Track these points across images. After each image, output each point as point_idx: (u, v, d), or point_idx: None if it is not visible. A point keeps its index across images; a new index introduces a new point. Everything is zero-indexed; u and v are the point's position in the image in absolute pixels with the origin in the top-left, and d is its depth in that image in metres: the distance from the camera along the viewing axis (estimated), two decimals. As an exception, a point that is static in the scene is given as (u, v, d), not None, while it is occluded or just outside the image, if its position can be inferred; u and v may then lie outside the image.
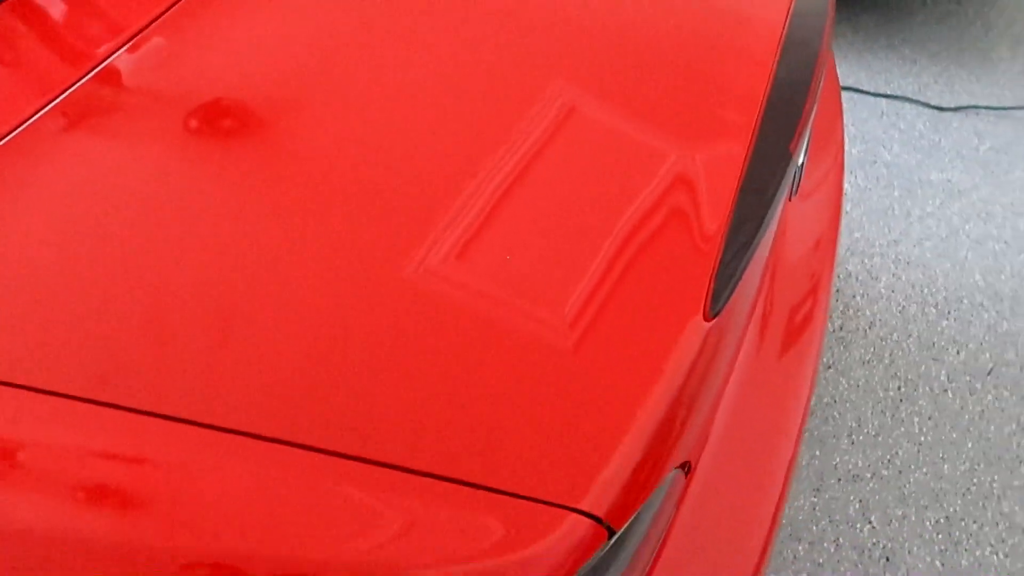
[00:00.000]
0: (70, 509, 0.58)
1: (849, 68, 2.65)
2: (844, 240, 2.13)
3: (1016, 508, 1.65)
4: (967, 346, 1.91)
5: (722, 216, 0.76)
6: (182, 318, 0.64)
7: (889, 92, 2.56)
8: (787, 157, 0.82)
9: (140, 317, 0.64)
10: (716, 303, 0.73)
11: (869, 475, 1.69)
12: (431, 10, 0.94)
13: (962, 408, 1.80)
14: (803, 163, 1.04)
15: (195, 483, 0.58)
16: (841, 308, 1.98)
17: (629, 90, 0.88)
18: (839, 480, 1.68)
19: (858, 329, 1.94)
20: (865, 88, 2.57)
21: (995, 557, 1.58)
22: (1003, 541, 1.61)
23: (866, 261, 2.09)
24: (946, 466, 1.71)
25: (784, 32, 0.94)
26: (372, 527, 0.60)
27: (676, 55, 0.94)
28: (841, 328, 1.94)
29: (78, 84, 0.80)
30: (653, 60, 0.93)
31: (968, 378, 1.85)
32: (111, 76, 0.83)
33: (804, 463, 1.71)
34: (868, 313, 1.98)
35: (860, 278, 2.05)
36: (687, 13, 1.00)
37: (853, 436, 1.75)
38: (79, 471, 0.59)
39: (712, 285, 0.73)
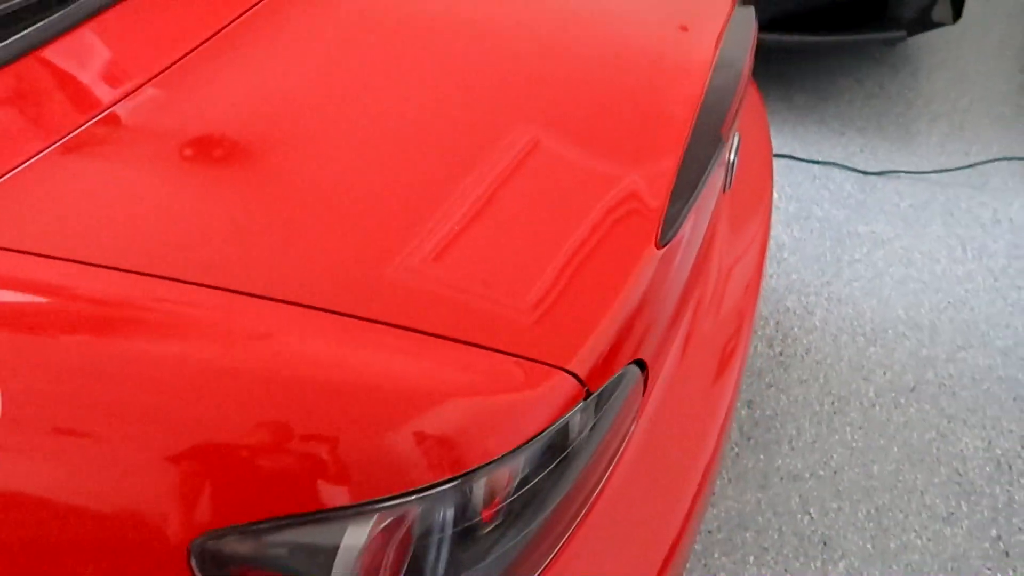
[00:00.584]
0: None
1: (784, 139, 2.95)
2: (783, 281, 2.39)
3: (937, 501, 1.86)
4: (892, 368, 2.15)
5: (670, 175, 1.00)
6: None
7: (820, 159, 2.86)
8: (719, 138, 1.07)
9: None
10: (665, 236, 0.96)
11: (808, 475, 1.90)
12: (412, 54, 1.17)
13: (888, 419, 2.03)
14: (734, 161, 1.29)
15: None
16: (781, 337, 2.22)
17: (595, 94, 1.12)
18: (781, 479, 1.89)
19: (796, 354, 2.18)
20: (799, 156, 2.86)
21: (919, 541, 1.79)
22: (926, 528, 1.81)
23: (803, 299, 2.34)
24: (875, 467, 1.92)
25: (717, 51, 1.20)
26: (409, 375, 0.79)
27: (632, 72, 1.19)
28: (781, 353, 2.18)
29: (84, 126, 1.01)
30: (614, 75, 1.17)
31: (893, 394, 2.08)
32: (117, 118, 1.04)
33: (750, 465, 1.91)
34: (805, 341, 2.21)
35: (797, 312, 2.29)
36: (638, 46, 1.26)
37: (793, 443, 1.97)
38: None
39: (661, 225, 0.96)
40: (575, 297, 0.88)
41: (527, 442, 0.81)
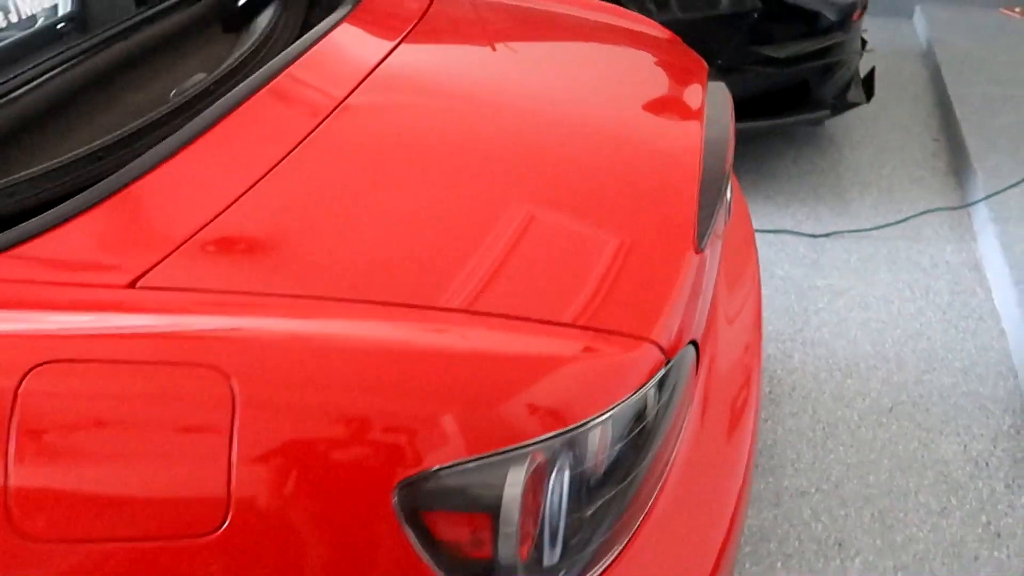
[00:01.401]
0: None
1: (737, 215, 3.27)
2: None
3: (930, 499, 2.09)
4: (869, 395, 2.41)
5: (694, 200, 1.27)
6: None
7: (772, 228, 3.18)
8: (724, 173, 1.34)
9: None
10: (701, 243, 1.21)
11: (813, 490, 2.12)
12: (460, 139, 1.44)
13: (875, 437, 2.27)
14: (730, 200, 1.56)
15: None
16: (768, 379, 2.47)
17: (621, 172, 1.40)
18: (791, 496, 2.11)
19: (783, 392, 2.42)
20: (753, 228, 3.18)
21: (920, 534, 2.01)
22: (924, 522, 2.03)
23: (780, 346, 2.60)
24: (871, 477, 2.15)
25: (704, 114, 1.49)
26: (542, 351, 1.02)
27: (641, 143, 1.46)
28: (770, 392, 2.42)
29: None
30: (629, 147, 1.45)
31: (875, 416, 2.33)
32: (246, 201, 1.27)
33: (762, 487, 2.13)
34: (789, 381, 2.47)
35: (778, 358, 2.55)
36: (638, 120, 1.54)
37: (795, 465, 2.19)
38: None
39: (696, 235, 1.22)
40: (644, 289, 1.12)
41: (625, 399, 1.03)
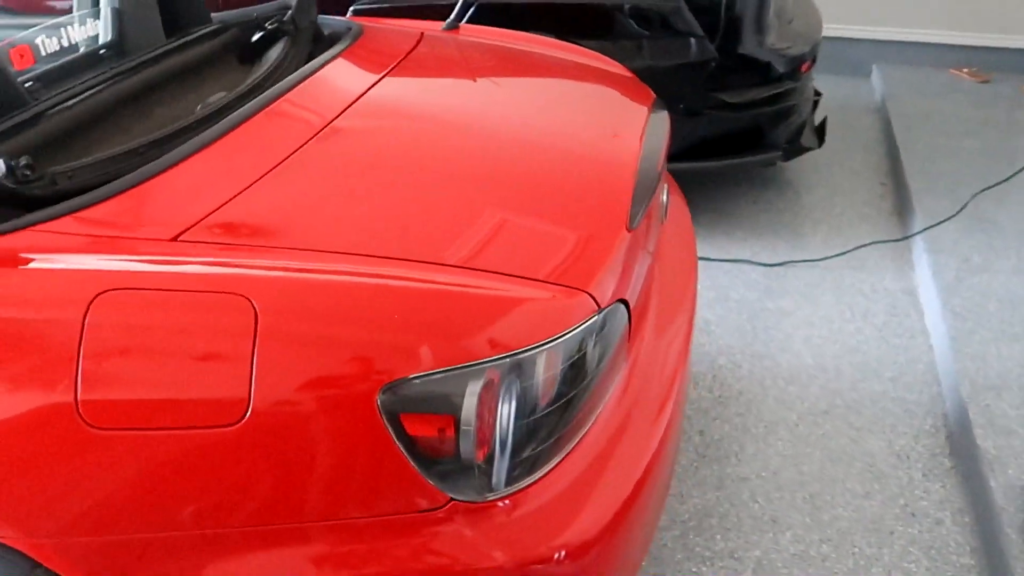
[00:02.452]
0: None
1: (699, 247, 3.56)
2: (714, 346, 2.93)
3: (856, 485, 2.35)
4: (808, 399, 2.67)
5: (629, 191, 1.55)
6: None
7: (730, 258, 3.47)
8: (656, 173, 1.63)
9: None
10: (632, 224, 1.50)
11: (753, 477, 2.38)
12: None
13: (810, 433, 2.53)
14: (667, 203, 1.85)
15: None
16: (718, 385, 2.74)
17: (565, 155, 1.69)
18: (733, 481, 2.36)
19: (731, 396, 2.69)
20: (712, 257, 3.47)
21: (845, 513, 2.26)
22: (849, 504, 2.29)
23: (731, 357, 2.87)
24: (805, 467, 2.41)
25: (645, 128, 1.79)
26: (498, 293, 1.29)
27: (582, 153, 1.75)
28: (720, 396, 2.69)
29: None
30: (572, 156, 1.74)
31: (812, 417, 2.60)
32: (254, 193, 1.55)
33: (707, 474, 2.38)
34: (737, 387, 2.73)
35: (728, 367, 2.82)
36: (583, 136, 1.84)
37: (738, 456, 2.45)
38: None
39: (628, 218, 1.50)
40: (584, 256, 1.40)
41: (563, 334, 1.30)
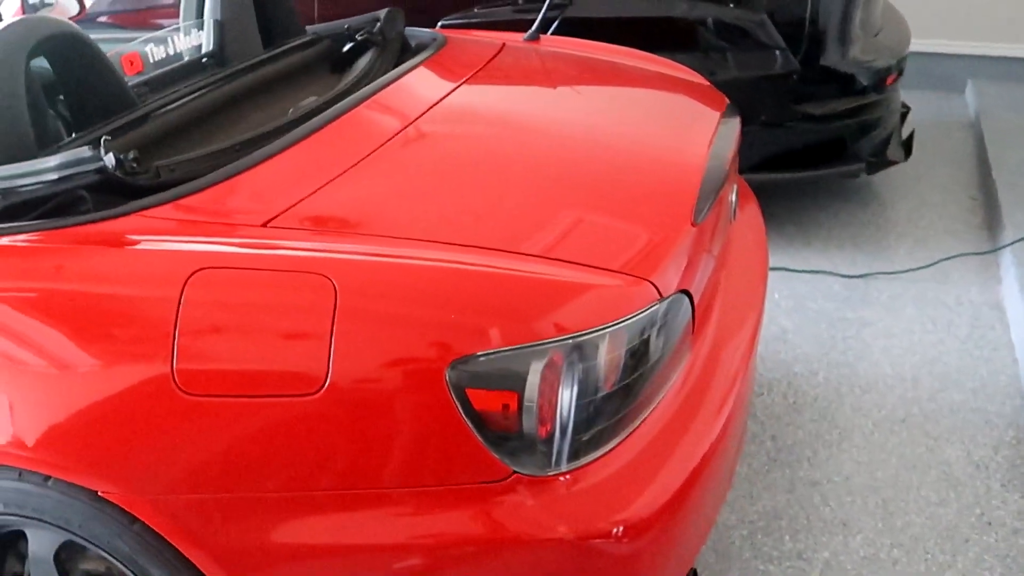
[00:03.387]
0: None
1: (778, 258, 3.57)
2: (789, 355, 2.94)
3: (931, 493, 2.34)
4: (885, 407, 2.66)
5: (695, 186, 1.61)
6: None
7: (809, 268, 3.47)
8: (724, 170, 1.69)
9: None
10: (697, 218, 1.55)
11: (825, 481, 2.39)
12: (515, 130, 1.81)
13: (885, 441, 2.53)
14: (735, 203, 1.89)
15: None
16: (792, 392, 2.75)
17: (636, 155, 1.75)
18: (804, 485, 2.37)
19: (805, 402, 2.70)
20: (792, 268, 3.48)
21: (918, 520, 2.25)
22: (923, 511, 2.28)
23: (807, 365, 2.88)
24: (879, 473, 2.41)
25: (713, 139, 1.85)
26: (561, 280, 1.36)
27: (654, 152, 1.82)
28: (794, 403, 2.70)
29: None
30: (645, 153, 1.80)
31: (888, 424, 2.59)
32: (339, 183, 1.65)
33: (778, 477, 2.40)
34: (812, 393, 2.74)
35: (804, 375, 2.83)
36: (655, 137, 1.90)
37: (811, 461, 2.46)
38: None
39: (694, 212, 1.56)
40: (649, 247, 1.46)
41: (624, 319, 1.36)
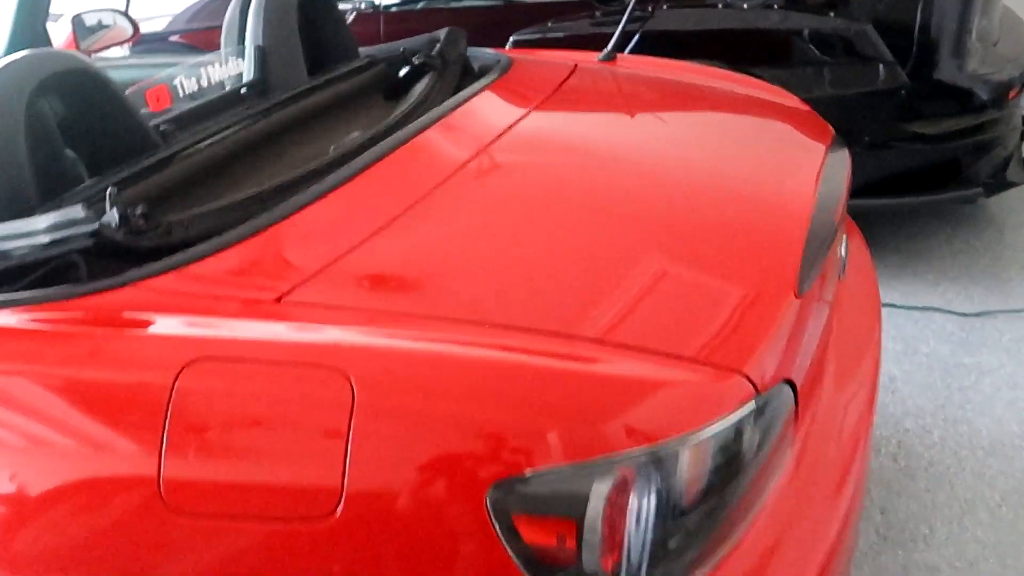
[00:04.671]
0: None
1: (884, 292, 3.20)
2: (899, 408, 2.60)
3: (1073, 585, 2.00)
4: (1013, 475, 2.32)
5: (799, 247, 1.33)
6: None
7: (919, 305, 3.12)
8: (833, 224, 1.40)
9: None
10: (801, 288, 1.27)
11: (945, 566, 2.06)
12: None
13: (1016, 518, 2.18)
14: (845, 257, 1.60)
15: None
16: (904, 453, 2.42)
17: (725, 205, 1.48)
18: (920, 570, 2.05)
19: (919, 467, 2.37)
20: (899, 304, 3.13)
21: (1060, 619, 1.92)
22: (1065, 608, 1.94)
23: (919, 421, 2.55)
24: (1010, 560, 2.07)
25: (821, 171, 1.55)
26: (615, 378, 1.10)
27: (754, 193, 1.54)
28: (906, 467, 2.37)
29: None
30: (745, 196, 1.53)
31: (1018, 497, 2.25)
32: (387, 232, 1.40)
33: (889, 562, 2.08)
34: (926, 456, 2.41)
35: (916, 433, 2.50)
36: (755, 175, 1.62)
37: (927, 540, 2.14)
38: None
39: (797, 280, 1.28)
40: (742, 327, 1.19)
41: (711, 423, 1.09)
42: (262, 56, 2.01)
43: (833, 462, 1.45)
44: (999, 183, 3.34)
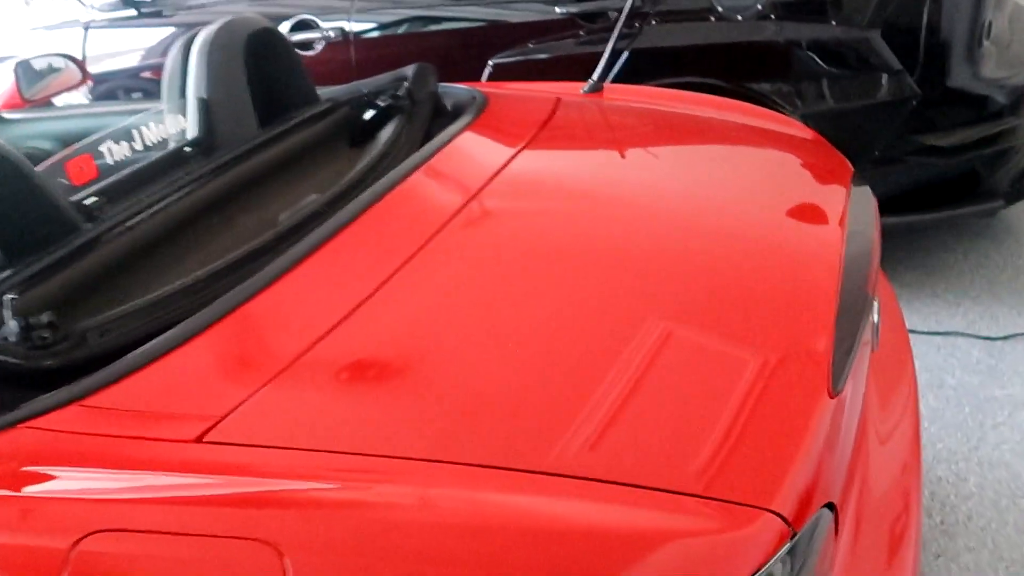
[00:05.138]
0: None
1: (903, 313, 3.00)
2: (929, 452, 2.38)
3: None
4: (1061, 527, 2.10)
5: (829, 332, 1.11)
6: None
7: (941, 330, 2.90)
8: (865, 296, 1.18)
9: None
10: (836, 386, 1.05)
11: (996, 643, 1.84)
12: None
13: (1069, 580, 1.97)
14: (878, 323, 1.38)
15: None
16: (938, 506, 2.20)
17: (751, 274, 1.26)
18: (969, 650, 1.83)
19: (958, 522, 2.15)
20: (919, 329, 2.91)
21: None
22: None
23: (952, 466, 2.32)
24: (1066, 630, 1.85)
25: (844, 226, 1.34)
26: (619, 530, 0.88)
27: (772, 259, 1.32)
28: (942, 522, 2.15)
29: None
30: (762, 259, 1.31)
31: (1069, 554, 2.03)
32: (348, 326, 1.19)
33: (933, 638, 1.86)
34: (964, 508, 2.19)
35: (950, 480, 2.28)
36: (770, 233, 1.40)
37: (973, 612, 1.92)
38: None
39: (831, 376, 1.06)
40: (763, 445, 0.97)
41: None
42: (206, 110, 1.79)
43: (886, 533, 1.25)
44: (1018, 192, 3.12)
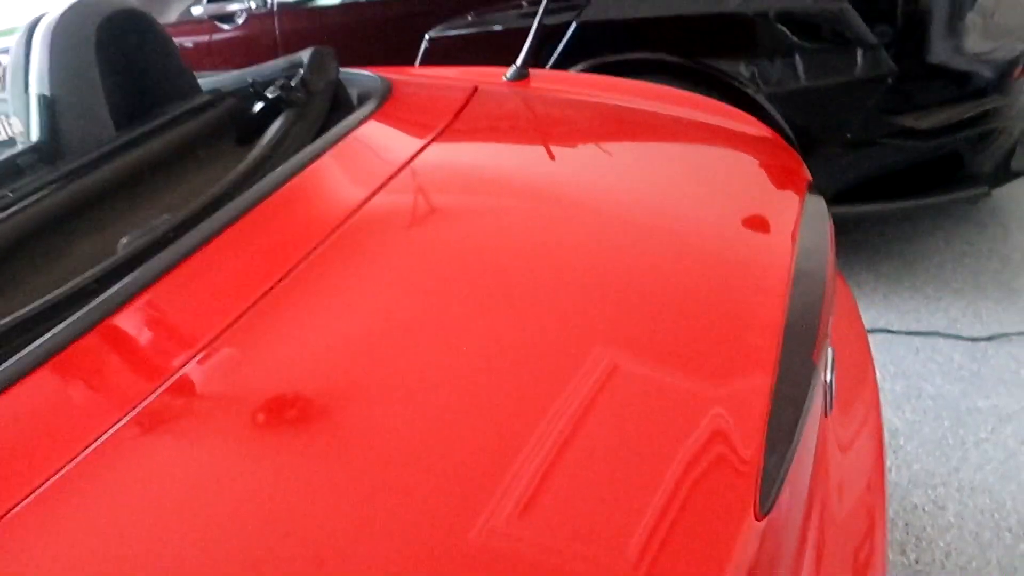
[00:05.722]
0: None
1: (877, 312, 2.77)
2: (904, 473, 2.15)
3: None
4: (1050, 566, 1.87)
5: (760, 424, 0.85)
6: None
7: (920, 329, 2.66)
8: (811, 365, 0.92)
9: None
10: (765, 503, 0.79)
11: None
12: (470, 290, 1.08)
13: (1059, 631, 1.74)
14: (831, 380, 1.13)
15: None
16: (914, 540, 1.97)
17: (665, 333, 1.00)
18: None
19: (935, 560, 1.92)
20: (896, 328, 2.67)
21: None
22: None
23: (930, 492, 2.09)
24: None
25: (793, 259, 1.08)
26: None
27: (697, 300, 1.06)
28: (917, 561, 1.92)
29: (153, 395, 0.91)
30: (681, 307, 1.05)
31: (1059, 599, 1.80)
32: (184, 385, 0.95)
33: None
34: (942, 543, 1.96)
35: (927, 509, 2.05)
36: (701, 260, 1.14)
37: (951, 672, 1.69)
38: None
39: (759, 488, 0.80)
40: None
41: None
42: (50, 108, 1.51)
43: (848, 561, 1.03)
44: (1003, 175, 2.87)
